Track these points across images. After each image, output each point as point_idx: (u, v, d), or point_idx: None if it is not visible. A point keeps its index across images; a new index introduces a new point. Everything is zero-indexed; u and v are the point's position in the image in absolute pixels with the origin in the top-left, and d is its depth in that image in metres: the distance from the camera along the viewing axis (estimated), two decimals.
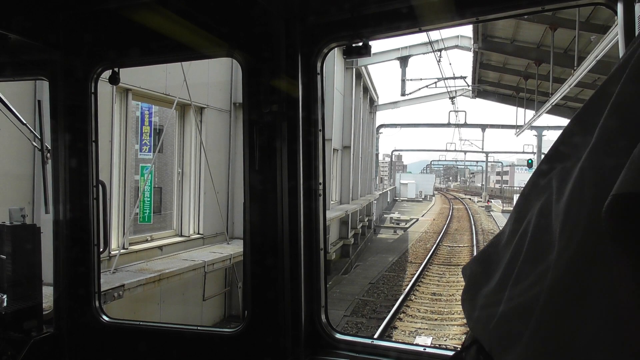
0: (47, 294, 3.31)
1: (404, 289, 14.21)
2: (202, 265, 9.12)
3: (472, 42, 21.37)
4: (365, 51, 2.62)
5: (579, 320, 0.79)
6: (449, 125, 42.05)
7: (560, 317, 0.82)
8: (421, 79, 29.27)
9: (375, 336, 9.93)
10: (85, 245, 3.15)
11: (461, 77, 28.89)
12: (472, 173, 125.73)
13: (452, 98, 32.56)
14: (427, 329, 11.13)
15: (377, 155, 45.68)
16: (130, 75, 8.31)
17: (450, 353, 2.89)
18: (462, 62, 33.13)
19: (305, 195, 2.78)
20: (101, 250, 3.22)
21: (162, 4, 2.49)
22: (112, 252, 8.20)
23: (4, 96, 3.68)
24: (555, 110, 28.11)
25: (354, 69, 23.68)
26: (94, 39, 3.03)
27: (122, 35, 3.03)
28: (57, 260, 3.16)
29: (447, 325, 11.38)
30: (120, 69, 3.10)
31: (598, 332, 0.76)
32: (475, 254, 20.45)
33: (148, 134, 10.32)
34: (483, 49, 21.21)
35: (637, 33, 1.85)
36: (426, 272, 17.04)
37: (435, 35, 21.76)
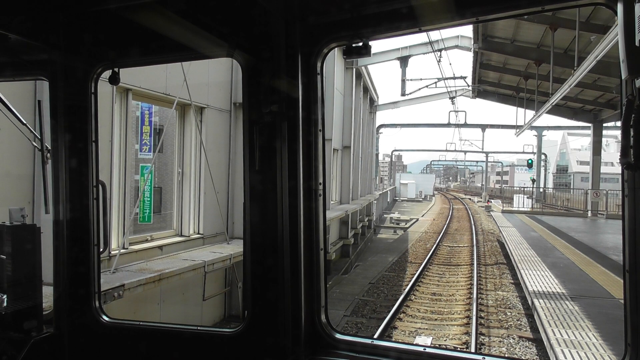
0: (47, 294, 3.31)
1: (404, 289, 14.21)
2: (202, 265, 9.12)
3: (472, 42, 21.39)
4: (365, 51, 2.62)
5: None
6: (449, 125, 42.13)
7: None
8: (421, 79, 29.30)
9: (375, 336, 9.93)
10: (85, 245, 3.15)
11: (461, 77, 28.92)
12: (472, 173, 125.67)
13: (452, 98, 32.61)
14: (427, 329, 11.13)
15: (377, 155, 45.73)
16: (130, 75, 8.32)
17: (451, 353, 2.89)
18: (462, 62, 33.17)
19: (305, 195, 2.78)
20: (101, 250, 3.22)
21: (162, 4, 2.49)
22: (112, 252, 8.21)
23: (4, 96, 3.68)
24: (555, 110, 28.14)
25: (354, 69, 23.70)
26: (94, 39, 3.03)
27: (122, 35, 3.03)
28: (57, 260, 3.16)
29: (447, 325, 11.37)
30: (120, 69, 3.10)
31: None
32: (474, 253, 20.42)
33: (148, 133, 10.32)
34: (483, 49, 21.22)
35: (637, 33, 1.85)
36: (426, 272, 17.04)
37: (435, 35, 21.79)
